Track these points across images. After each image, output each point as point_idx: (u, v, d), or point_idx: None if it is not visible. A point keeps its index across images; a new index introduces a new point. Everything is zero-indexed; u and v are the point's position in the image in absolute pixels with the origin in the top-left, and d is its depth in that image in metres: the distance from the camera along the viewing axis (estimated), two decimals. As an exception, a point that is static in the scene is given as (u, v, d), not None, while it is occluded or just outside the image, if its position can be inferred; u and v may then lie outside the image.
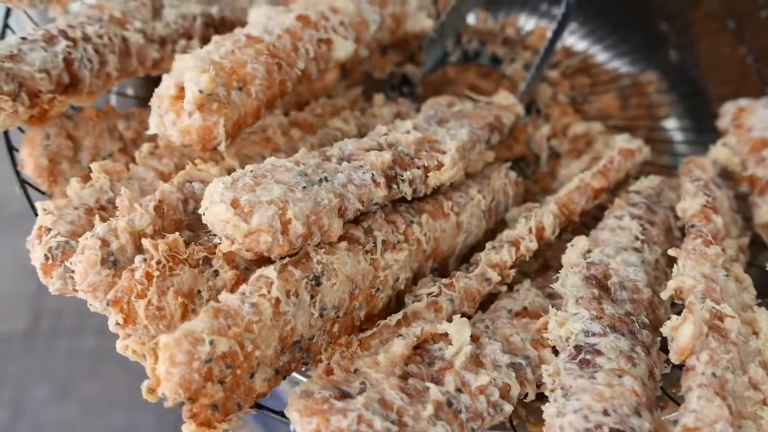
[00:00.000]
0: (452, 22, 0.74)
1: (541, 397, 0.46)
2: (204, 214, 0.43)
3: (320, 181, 0.46)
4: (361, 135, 0.61)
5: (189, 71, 0.47)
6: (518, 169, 0.69)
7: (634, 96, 0.81)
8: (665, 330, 0.44)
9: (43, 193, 0.53)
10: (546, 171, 0.69)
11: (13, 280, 1.70)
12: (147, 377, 0.39)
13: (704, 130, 0.77)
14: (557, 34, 0.69)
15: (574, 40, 0.82)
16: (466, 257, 0.58)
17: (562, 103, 0.73)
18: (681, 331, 0.42)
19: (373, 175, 0.48)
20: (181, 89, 0.48)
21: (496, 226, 0.60)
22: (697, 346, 0.42)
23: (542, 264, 0.60)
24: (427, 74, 0.75)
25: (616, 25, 0.81)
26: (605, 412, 0.39)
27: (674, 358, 0.43)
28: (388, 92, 0.75)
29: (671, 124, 0.81)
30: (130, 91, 0.68)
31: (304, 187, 0.44)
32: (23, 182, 0.52)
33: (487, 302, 0.53)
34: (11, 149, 0.54)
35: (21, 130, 0.53)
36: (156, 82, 0.67)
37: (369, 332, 0.47)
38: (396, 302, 0.51)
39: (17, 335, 1.59)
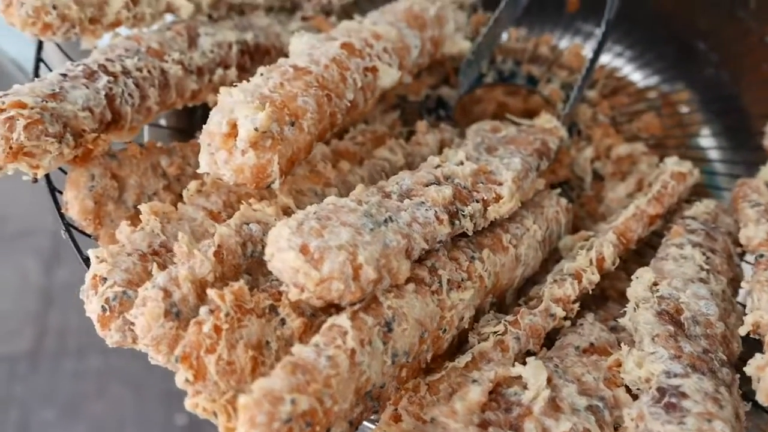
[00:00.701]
0: (488, 43, 0.72)
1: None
2: (270, 261, 0.41)
3: (385, 221, 0.44)
4: (408, 164, 0.60)
5: (243, 108, 0.45)
6: (563, 193, 0.67)
7: (665, 115, 0.79)
8: (749, 369, 0.43)
9: (88, 235, 0.51)
10: (591, 194, 0.68)
11: (15, 299, 1.68)
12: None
13: (741, 148, 0.76)
14: (597, 53, 0.67)
15: (609, 58, 0.80)
16: (522, 289, 0.56)
17: (603, 124, 0.72)
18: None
19: (436, 212, 0.47)
20: (233, 126, 0.46)
21: (550, 254, 0.59)
22: (789, 388, 0.40)
23: (600, 294, 0.59)
24: (462, 96, 0.73)
25: (651, 42, 0.79)
26: (701, 463, 0.37)
27: (762, 399, 0.41)
28: (425, 115, 0.73)
29: (706, 141, 0.80)
30: (162, 122, 0.66)
31: (372, 229, 0.43)
32: (68, 226, 0.50)
33: (548, 336, 0.52)
34: (53, 191, 0.52)
35: (62, 170, 0.51)
36: (187, 111, 0.66)
37: (437, 375, 0.45)
38: (459, 341, 0.50)
39: (21, 355, 1.57)
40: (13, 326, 1.61)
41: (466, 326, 0.49)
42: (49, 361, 1.55)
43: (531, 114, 0.82)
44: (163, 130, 0.66)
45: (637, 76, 0.80)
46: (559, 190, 0.61)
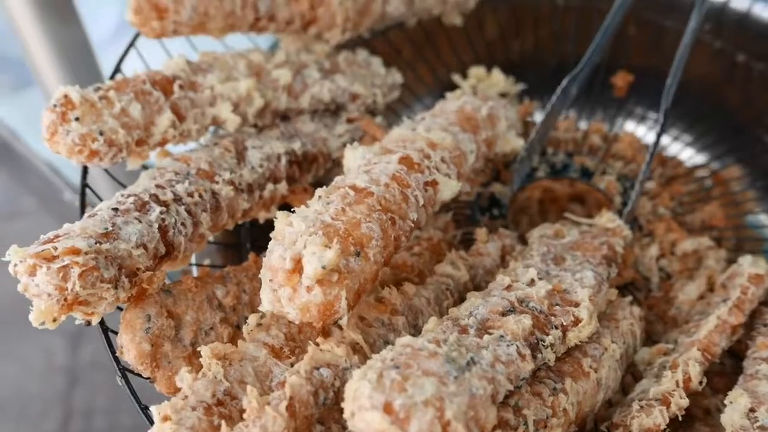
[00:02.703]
0: (540, 137, 0.70)
1: None
2: (350, 420, 0.38)
3: (468, 364, 0.41)
4: (472, 278, 0.57)
5: (310, 244, 0.43)
6: (630, 294, 0.64)
7: (715, 186, 0.76)
8: None
9: (145, 378, 0.48)
10: (660, 295, 0.65)
11: (40, 381, 1.66)
12: None
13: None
14: (655, 150, 0.65)
15: (665, 142, 0.78)
16: (600, 411, 0.53)
17: (664, 217, 0.69)
18: None
19: (517, 347, 0.44)
20: (298, 261, 0.43)
21: (627, 369, 0.56)
22: None
23: (686, 413, 0.55)
24: (515, 193, 0.71)
25: (704, 127, 0.77)
26: None
27: None
28: (478, 215, 0.71)
29: (762, 220, 0.76)
30: (210, 237, 0.63)
31: (456, 377, 0.39)
32: (124, 370, 0.47)
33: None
34: (106, 331, 0.49)
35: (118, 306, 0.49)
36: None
37: None
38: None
39: (49, 439, 1.54)
40: (39, 408, 1.60)
41: (552, 464, 0.45)
42: (76, 444, 1.53)
43: (577, 198, 0.79)
44: (210, 246, 0.63)
45: (694, 161, 0.77)
46: (630, 298, 0.58)
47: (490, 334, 0.45)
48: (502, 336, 0.44)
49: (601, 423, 0.52)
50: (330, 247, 0.43)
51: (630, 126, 0.79)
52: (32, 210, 1.67)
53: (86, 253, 0.43)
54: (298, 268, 0.43)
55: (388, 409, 0.37)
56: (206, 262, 0.63)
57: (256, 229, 0.65)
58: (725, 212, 0.72)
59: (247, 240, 0.65)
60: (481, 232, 0.61)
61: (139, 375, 0.48)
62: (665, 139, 0.78)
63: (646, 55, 0.79)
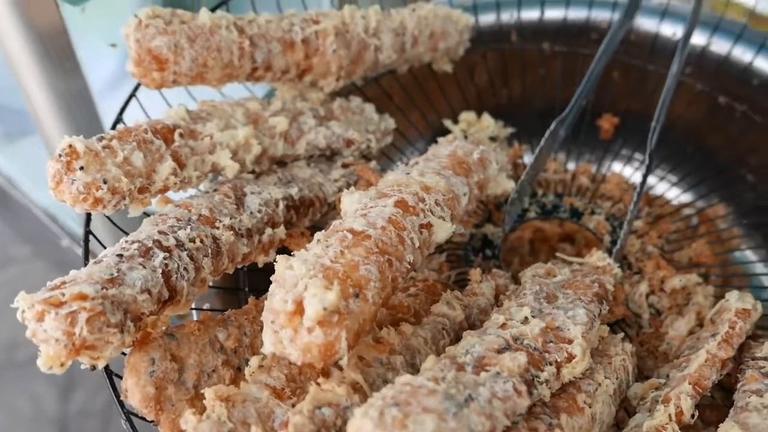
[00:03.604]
0: (530, 179, 0.72)
1: None
2: (353, 457, 0.39)
3: (466, 401, 0.42)
4: (467, 317, 0.58)
5: (311, 287, 0.44)
6: (621, 331, 0.66)
7: (701, 223, 0.78)
8: None
9: (149, 422, 0.49)
10: (651, 331, 0.66)
11: (29, 430, 1.64)
12: None
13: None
14: (641, 190, 0.67)
15: (650, 181, 0.80)
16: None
17: (653, 255, 0.71)
18: None
19: (513, 383, 0.45)
20: (299, 304, 0.45)
21: (620, 404, 0.57)
22: None
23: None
24: (507, 234, 0.73)
25: (688, 167, 0.79)
26: None
27: None
28: (471, 256, 0.72)
29: (750, 257, 0.78)
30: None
31: (455, 413, 0.41)
32: (128, 414, 0.48)
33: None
34: (110, 375, 0.50)
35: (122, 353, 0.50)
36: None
37: None
38: None
39: (37, 493, 1.53)
40: (28, 456, 1.58)
41: (550, 499, 0.46)
42: (67, 497, 1.51)
43: (567, 238, 0.81)
44: (210, 290, 0.64)
45: (679, 200, 0.79)
46: (621, 334, 0.60)
47: (486, 371, 0.46)
48: (498, 373, 0.46)
49: (597, 458, 0.53)
50: (331, 289, 0.44)
51: (617, 167, 0.82)
52: (26, 257, 1.68)
53: (93, 299, 0.44)
54: (299, 310, 0.45)
55: (390, 445, 0.38)
56: (206, 306, 0.64)
57: (254, 274, 0.66)
58: (712, 249, 0.73)
59: (246, 284, 0.67)
60: (474, 273, 0.62)
61: (143, 418, 0.49)
62: (652, 179, 0.80)
63: (630, 98, 0.81)
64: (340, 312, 0.45)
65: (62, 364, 0.44)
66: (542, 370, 0.48)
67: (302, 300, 0.44)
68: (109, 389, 0.49)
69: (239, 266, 0.59)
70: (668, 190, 0.79)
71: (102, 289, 0.45)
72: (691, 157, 0.80)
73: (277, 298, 0.46)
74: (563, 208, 0.77)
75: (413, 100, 0.83)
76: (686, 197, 0.79)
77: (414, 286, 0.62)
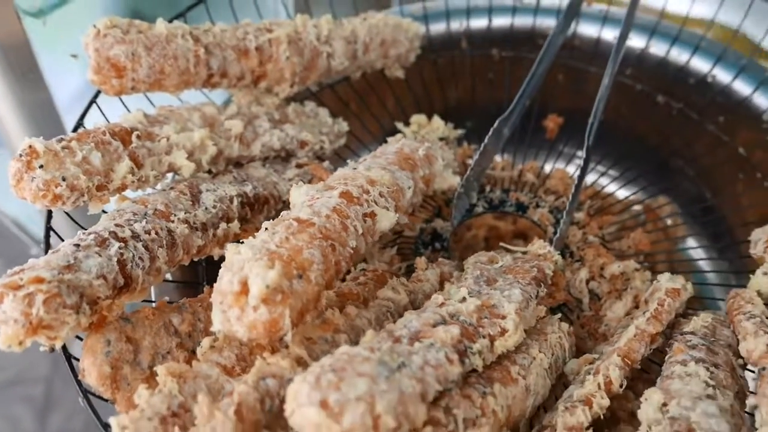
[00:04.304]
0: (476, 175, 0.75)
1: None
2: (290, 417, 0.42)
3: (399, 367, 0.45)
4: (412, 302, 0.61)
5: (254, 267, 0.47)
6: (563, 315, 0.69)
7: (652, 229, 0.82)
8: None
9: (105, 400, 0.51)
10: (590, 314, 0.70)
11: (7, 451, 1.65)
12: None
13: (729, 256, 0.78)
14: (580, 182, 0.71)
15: (593, 177, 0.84)
16: (533, 417, 0.57)
17: (594, 244, 0.74)
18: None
19: (446, 352, 0.48)
20: (244, 284, 0.48)
21: (557, 379, 0.60)
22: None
23: (611, 416, 0.59)
24: (455, 228, 0.76)
25: (631, 160, 0.83)
26: None
27: None
28: (421, 249, 0.76)
29: (694, 251, 0.82)
30: (168, 276, 0.68)
31: (387, 377, 0.44)
32: (86, 393, 0.51)
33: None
34: (69, 358, 0.53)
35: (77, 336, 0.52)
36: (191, 264, 0.68)
37: None
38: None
39: None
40: (7, 479, 1.58)
41: (485, 462, 0.49)
42: None
43: (521, 235, 0.85)
44: (170, 284, 0.67)
45: (621, 193, 0.83)
46: (559, 315, 0.63)
47: (420, 342, 0.49)
48: (432, 344, 0.49)
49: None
50: (273, 268, 0.47)
51: (561, 164, 0.86)
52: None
53: (49, 282, 0.47)
54: (244, 290, 0.48)
55: (324, 405, 0.41)
56: (165, 299, 0.67)
57: (213, 267, 0.69)
58: (650, 238, 0.77)
59: (204, 278, 0.70)
60: (420, 261, 0.66)
61: (100, 397, 0.51)
62: (594, 175, 0.84)
63: (574, 99, 0.86)
64: (283, 291, 0.48)
65: (20, 343, 0.46)
66: (475, 342, 0.51)
67: (247, 280, 0.48)
68: (68, 370, 0.52)
69: (195, 259, 0.62)
70: (609, 184, 0.84)
71: (59, 274, 0.48)
72: (632, 152, 0.84)
73: (224, 280, 0.49)
74: (509, 202, 0.80)
75: (367, 105, 0.87)
76: (628, 190, 0.83)
77: (363, 276, 0.65)
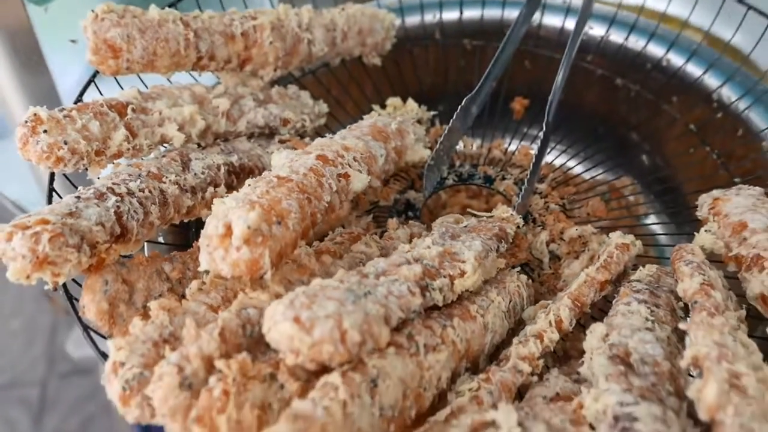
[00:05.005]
0: (446, 149, 0.82)
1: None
2: (267, 333, 0.47)
3: (365, 294, 0.51)
4: (383, 256, 0.67)
5: (236, 211, 0.53)
6: (525, 274, 0.75)
7: (613, 200, 0.88)
8: (690, 392, 0.49)
9: (103, 336, 0.57)
10: (550, 272, 0.76)
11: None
12: None
13: (682, 222, 0.84)
14: (540, 153, 0.77)
15: (554, 157, 0.90)
16: (493, 355, 0.63)
17: (554, 211, 0.80)
18: (706, 392, 0.47)
19: (408, 286, 0.54)
20: (228, 228, 0.53)
21: (516, 325, 0.66)
22: (722, 402, 0.46)
23: (564, 355, 0.65)
24: (427, 198, 0.82)
25: (592, 138, 0.90)
26: (653, 468, 0.43)
27: (703, 416, 0.47)
28: (396, 217, 0.82)
29: (651, 220, 0.89)
30: (161, 239, 0.73)
31: (353, 301, 0.50)
32: (86, 327, 0.57)
33: (519, 393, 0.58)
34: (71, 298, 0.58)
35: (77, 283, 0.58)
36: (183, 229, 0.74)
37: (421, 429, 0.51)
38: (439, 401, 0.56)
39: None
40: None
41: (445, 386, 0.55)
42: None
43: (492, 213, 0.91)
44: (162, 246, 0.73)
45: (581, 169, 0.90)
46: (518, 268, 0.69)
47: (386, 277, 0.55)
48: (396, 279, 0.55)
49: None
50: (254, 210, 0.53)
51: (526, 143, 0.92)
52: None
53: (54, 224, 0.53)
54: (228, 233, 0.54)
55: (296, 320, 0.47)
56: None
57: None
58: (607, 206, 0.83)
59: (195, 240, 0.75)
60: (391, 221, 0.72)
61: (99, 333, 0.57)
62: (557, 153, 0.91)
63: (539, 83, 0.92)
64: (263, 234, 0.54)
65: (28, 277, 0.52)
66: (435, 280, 0.57)
67: (231, 224, 0.53)
68: (70, 308, 0.57)
69: (186, 220, 0.68)
70: (570, 160, 0.90)
71: (62, 219, 0.54)
72: (594, 132, 0.90)
73: (210, 225, 0.55)
74: (478, 176, 0.86)
75: (347, 91, 0.93)
76: (589, 165, 0.89)
77: (341, 237, 0.71)
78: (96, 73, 0.77)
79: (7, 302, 2.35)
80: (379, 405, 0.48)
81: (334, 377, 0.47)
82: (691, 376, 0.54)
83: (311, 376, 0.50)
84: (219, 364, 0.47)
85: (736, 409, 0.46)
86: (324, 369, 0.49)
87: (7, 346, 2.11)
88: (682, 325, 0.55)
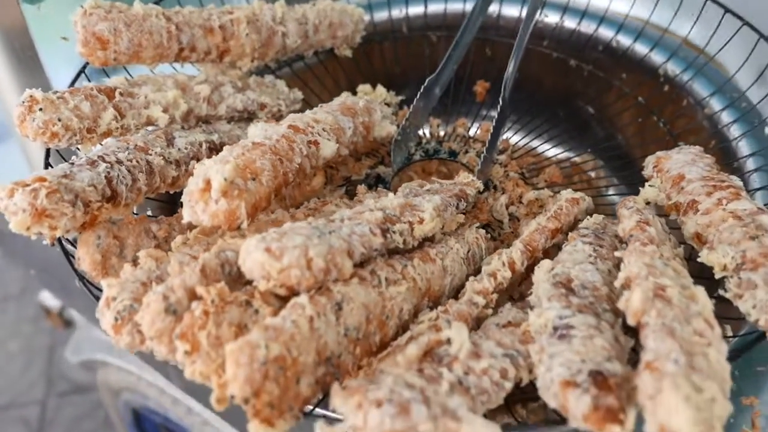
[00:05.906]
0: (412, 127, 0.88)
1: (538, 399, 0.55)
2: (242, 264, 0.53)
3: (330, 232, 0.57)
4: (351, 215, 0.73)
5: (214, 166, 0.59)
6: (487, 233, 0.81)
7: (575, 174, 0.95)
8: (621, 304, 0.55)
9: (99, 289, 0.63)
10: (510, 232, 0.82)
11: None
12: None
13: (634, 185, 0.91)
14: (498, 123, 0.83)
15: (513, 135, 0.97)
16: (454, 299, 0.68)
17: (513, 178, 0.87)
18: (632, 298, 0.53)
19: (370, 228, 0.60)
20: (208, 183, 0.60)
21: (475, 273, 0.72)
22: (647, 307, 0.52)
23: (519, 297, 0.71)
24: (396, 172, 0.89)
25: (549, 116, 0.96)
26: (583, 361, 0.49)
27: (630, 321, 0.53)
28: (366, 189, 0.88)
29: (611, 191, 0.95)
30: (149, 213, 0.80)
31: (319, 236, 0.56)
32: (81, 277, 0.63)
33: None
34: (67, 255, 0.64)
35: (71, 243, 0.64)
36: (167, 206, 0.80)
37: (383, 352, 0.57)
38: (403, 333, 0.61)
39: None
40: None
41: (407, 318, 0.61)
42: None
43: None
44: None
45: (545, 147, 0.96)
46: (478, 224, 0.75)
47: (350, 221, 0.61)
48: (359, 223, 0.61)
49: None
50: (229, 162, 0.59)
51: (488, 122, 0.99)
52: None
53: (50, 181, 0.59)
54: (208, 187, 0.60)
55: (267, 249, 0.53)
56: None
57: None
58: (563, 173, 0.90)
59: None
60: (360, 187, 0.78)
61: (92, 284, 0.63)
62: (517, 130, 0.97)
63: (499, 68, 0.98)
64: (239, 188, 0.60)
65: (28, 228, 0.58)
66: (395, 225, 0.63)
67: (209, 179, 0.60)
68: (66, 260, 0.63)
69: (171, 190, 0.74)
70: (528, 135, 0.96)
71: (58, 179, 0.60)
72: (551, 109, 0.97)
73: (192, 182, 0.61)
74: (443, 151, 0.93)
75: (322, 82, 1.00)
76: (547, 137, 0.96)
77: (314, 204, 0.77)
78: (86, 65, 0.84)
79: (5, 324, 2.40)
80: (344, 325, 0.54)
81: (302, 299, 0.53)
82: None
83: (283, 303, 0.56)
84: (200, 289, 0.53)
85: (659, 312, 0.51)
86: (294, 295, 0.54)
87: (5, 368, 2.17)
88: (617, 253, 0.61)
